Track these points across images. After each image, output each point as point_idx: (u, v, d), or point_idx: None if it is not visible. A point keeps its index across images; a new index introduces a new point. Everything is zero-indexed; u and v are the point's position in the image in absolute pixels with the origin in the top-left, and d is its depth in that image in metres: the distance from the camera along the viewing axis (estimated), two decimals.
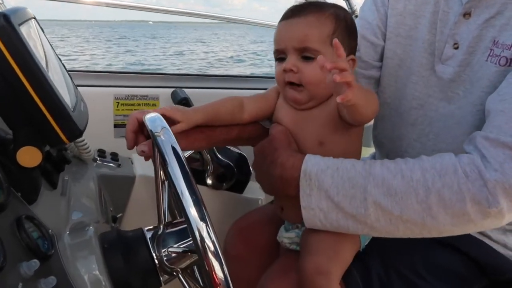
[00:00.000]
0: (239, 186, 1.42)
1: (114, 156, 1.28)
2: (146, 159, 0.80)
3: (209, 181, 1.38)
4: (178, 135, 0.81)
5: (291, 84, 0.82)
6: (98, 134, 1.32)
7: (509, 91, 0.74)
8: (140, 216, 0.87)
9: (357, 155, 0.88)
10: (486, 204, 0.69)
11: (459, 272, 0.88)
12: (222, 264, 0.57)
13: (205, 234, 0.57)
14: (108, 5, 1.89)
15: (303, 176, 0.75)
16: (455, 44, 0.86)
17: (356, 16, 1.62)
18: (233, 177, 1.39)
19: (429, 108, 0.91)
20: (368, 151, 1.55)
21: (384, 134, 1.05)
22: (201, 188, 1.37)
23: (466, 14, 0.84)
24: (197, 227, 0.57)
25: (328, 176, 0.74)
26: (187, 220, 0.58)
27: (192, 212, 0.58)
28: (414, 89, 0.93)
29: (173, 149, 0.65)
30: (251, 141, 0.92)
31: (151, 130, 0.69)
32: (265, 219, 1.05)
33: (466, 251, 0.88)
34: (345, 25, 0.82)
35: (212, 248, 0.57)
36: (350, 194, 0.73)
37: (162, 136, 0.67)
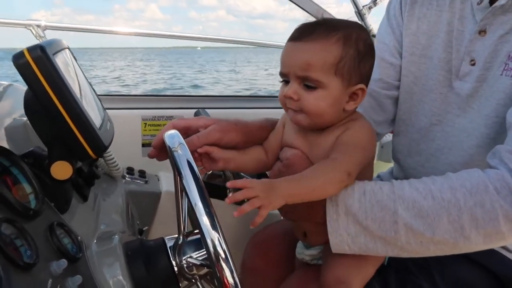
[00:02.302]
0: None
1: (142, 174, 1.36)
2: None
3: None
4: (213, 128, 0.84)
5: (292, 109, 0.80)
6: (127, 153, 1.40)
7: None
8: (165, 229, 0.92)
9: (370, 174, 0.88)
10: None
11: (478, 286, 0.87)
12: (233, 271, 0.61)
13: (216, 242, 0.61)
14: (149, 35, 2.01)
15: (329, 202, 0.74)
16: (471, 60, 0.87)
17: (373, 35, 1.66)
18: None
19: (447, 124, 0.92)
20: (386, 166, 1.56)
21: (401, 150, 1.06)
22: (222, 203, 1.42)
23: (482, 32, 0.85)
24: (209, 235, 0.61)
25: (355, 200, 0.73)
26: (200, 229, 0.62)
27: (205, 221, 0.62)
28: (433, 105, 0.95)
29: (188, 163, 0.70)
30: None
31: (169, 146, 0.75)
32: (283, 233, 1.07)
33: (485, 264, 0.87)
34: (355, 50, 0.75)
35: (223, 255, 0.60)
36: (379, 218, 0.72)
37: (179, 151, 0.73)
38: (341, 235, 0.74)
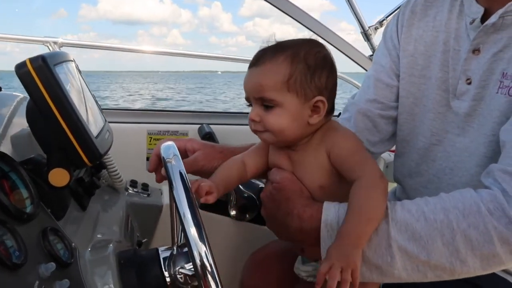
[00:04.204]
0: (262, 218, 1.45)
1: (145, 187, 1.37)
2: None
3: (232, 212, 1.43)
4: (198, 155, 0.87)
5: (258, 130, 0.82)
6: (131, 166, 1.43)
7: None
8: (165, 242, 0.93)
9: None
10: None
11: None
12: (218, 285, 0.60)
13: (203, 254, 0.61)
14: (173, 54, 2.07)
15: (323, 227, 0.74)
16: (467, 79, 0.88)
17: None
18: (255, 209, 1.42)
19: (448, 144, 0.92)
20: (390, 186, 1.54)
21: (402, 171, 1.06)
22: (224, 219, 1.43)
23: (476, 50, 0.86)
24: (196, 248, 0.61)
25: None
26: (187, 240, 0.62)
27: (192, 232, 0.62)
28: (432, 125, 0.95)
29: (180, 174, 0.71)
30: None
31: (163, 157, 0.76)
32: (283, 251, 1.06)
33: (481, 285, 0.85)
34: (304, 65, 0.77)
35: (209, 269, 0.60)
36: (374, 242, 0.71)
37: (172, 162, 0.75)
38: None
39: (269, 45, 0.80)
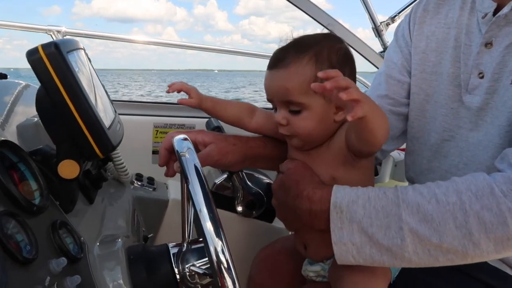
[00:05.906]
0: (269, 215, 1.44)
1: (150, 181, 1.35)
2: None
3: (239, 208, 1.41)
4: (211, 149, 0.86)
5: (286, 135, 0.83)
6: (137, 159, 1.41)
7: None
8: (171, 237, 0.91)
9: (371, 178, 0.88)
10: None
11: None
12: (235, 282, 0.58)
13: (219, 250, 0.59)
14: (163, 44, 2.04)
15: (333, 208, 0.73)
16: (480, 73, 0.88)
17: None
18: (262, 206, 1.41)
19: (460, 139, 0.92)
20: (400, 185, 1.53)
21: (414, 169, 1.05)
22: (230, 215, 1.41)
23: (488, 44, 0.86)
24: (212, 243, 0.60)
25: (360, 206, 0.71)
26: (203, 236, 0.61)
27: (208, 227, 0.61)
28: (444, 121, 0.95)
29: (196, 168, 0.69)
30: (283, 161, 0.91)
31: (177, 150, 0.75)
32: (291, 248, 1.05)
33: (492, 283, 0.85)
34: (329, 65, 0.77)
35: (225, 265, 0.59)
36: (384, 224, 0.70)
37: (186, 156, 0.73)
38: (346, 245, 0.72)
39: (288, 43, 0.80)
